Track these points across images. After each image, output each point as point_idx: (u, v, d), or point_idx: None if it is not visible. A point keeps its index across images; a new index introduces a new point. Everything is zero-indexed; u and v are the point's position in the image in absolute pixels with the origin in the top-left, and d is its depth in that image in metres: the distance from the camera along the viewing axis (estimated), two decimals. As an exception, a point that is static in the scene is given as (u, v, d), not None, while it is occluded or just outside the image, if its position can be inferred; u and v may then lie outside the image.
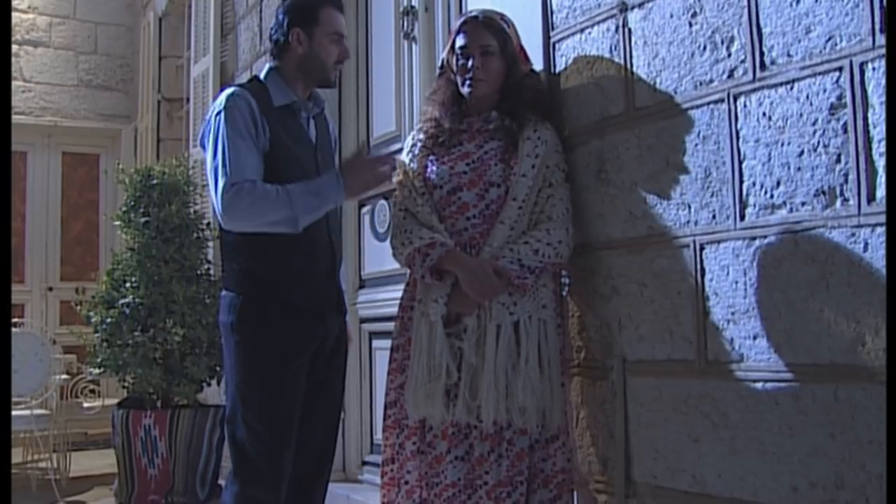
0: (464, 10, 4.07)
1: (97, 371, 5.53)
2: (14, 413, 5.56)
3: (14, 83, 8.76)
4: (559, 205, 2.73)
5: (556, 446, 2.70)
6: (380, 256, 4.60)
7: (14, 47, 8.77)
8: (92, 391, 6.89)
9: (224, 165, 2.65)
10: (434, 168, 2.81)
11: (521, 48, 2.88)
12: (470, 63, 2.79)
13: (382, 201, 4.59)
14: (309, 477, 2.93)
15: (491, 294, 2.63)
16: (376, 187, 2.84)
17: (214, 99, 2.96)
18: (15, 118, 8.66)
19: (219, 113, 2.72)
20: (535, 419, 2.60)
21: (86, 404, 6.78)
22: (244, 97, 2.74)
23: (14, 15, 8.76)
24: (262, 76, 2.89)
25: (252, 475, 2.74)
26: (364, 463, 4.75)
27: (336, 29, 2.87)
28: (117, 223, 5.70)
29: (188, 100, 7.50)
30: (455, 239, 2.72)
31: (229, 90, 2.81)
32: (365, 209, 4.84)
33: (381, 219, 4.63)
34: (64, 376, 6.63)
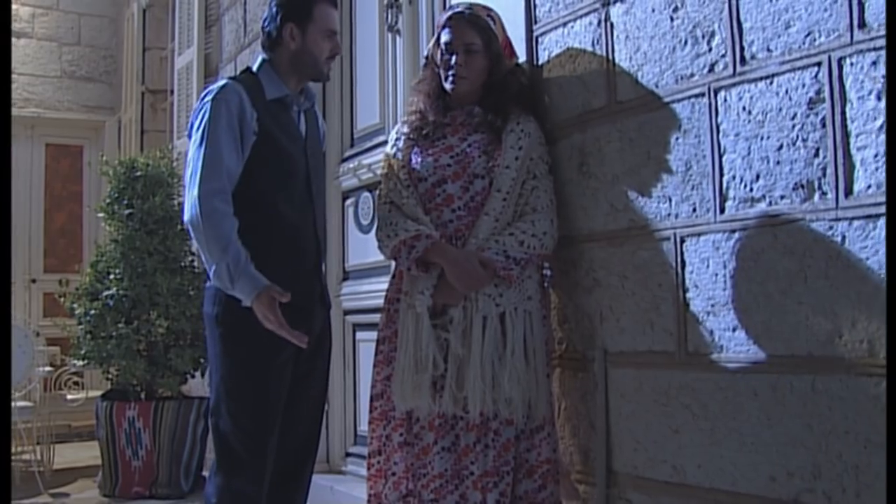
0: (447, 4, 4.09)
1: (81, 363, 5.53)
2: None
3: (-3, 74, 8.74)
4: (543, 196, 2.75)
5: (542, 437, 2.72)
6: (363, 248, 4.60)
7: (-3, 38, 8.74)
8: (76, 383, 6.87)
9: (205, 165, 2.66)
10: (419, 160, 2.82)
11: (508, 42, 2.90)
12: (453, 60, 2.80)
13: (366, 193, 4.60)
14: (293, 468, 2.93)
15: (477, 285, 2.65)
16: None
17: (203, 90, 2.97)
18: (-2, 109, 8.65)
19: (209, 103, 2.72)
20: (521, 410, 2.62)
21: (69, 396, 6.75)
22: (236, 90, 2.74)
23: (-3, 6, 8.74)
24: (255, 68, 2.89)
25: (235, 467, 2.74)
26: (348, 454, 4.76)
27: (329, 25, 2.86)
28: (101, 215, 5.70)
29: (172, 91, 7.47)
30: (440, 231, 2.74)
31: (223, 82, 2.81)
32: (349, 201, 4.84)
33: (365, 211, 4.63)
34: (48, 368, 6.62)
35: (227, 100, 2.72)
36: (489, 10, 2.86)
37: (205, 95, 2.78)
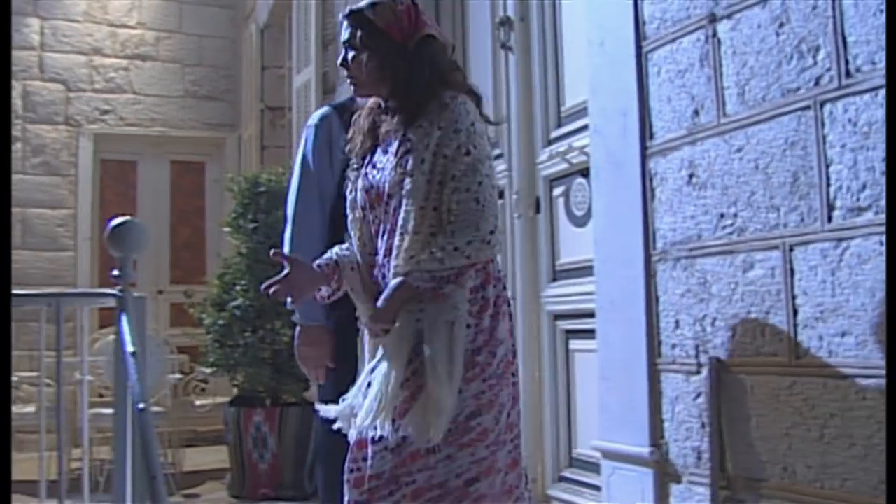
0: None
1: (210, 370, 5.79)
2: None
3: (125, 96, 9.18)
4: (465, 198, 2.35)
5: (438, 458, 2.33)
6: (576, 244, 4.08)
7: (124, 62, 9.20)
8: (203, 390, 7.17)
9: (301, 186, 3.04)
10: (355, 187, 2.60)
11: (410, 19, 2.51)
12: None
13: (580, 179, 4.04)
14: None
15: (384, 325, 2.41)
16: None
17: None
18: (126, 129, 9.14)
19: (307, 129, 3.08)
20: (388, 428, 2.31)
21: (197, 402, 7.05)
22: (327, 116, 3.08)
23: (123, 31, 9.22)
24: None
25: (331, 460, 2.93)
26: (561, 478, 4.41)
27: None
28: (227, 229, 5.95)
29: (291, 108, 7.71)
30: (373, 259, 2.53)
31: (319, 111, 3.17)
32: (557, 190, 4.30)
33: (580, 199, 4.09)
34: (178, 376, 6.92)
35: (319, 125, 3.07)
36: (374, 1, 2.52)
37: (307, 125, 3.13)
